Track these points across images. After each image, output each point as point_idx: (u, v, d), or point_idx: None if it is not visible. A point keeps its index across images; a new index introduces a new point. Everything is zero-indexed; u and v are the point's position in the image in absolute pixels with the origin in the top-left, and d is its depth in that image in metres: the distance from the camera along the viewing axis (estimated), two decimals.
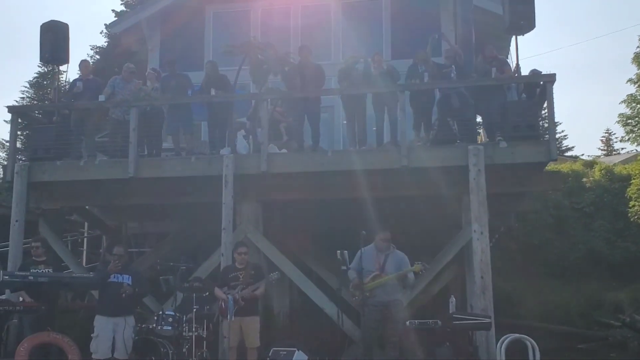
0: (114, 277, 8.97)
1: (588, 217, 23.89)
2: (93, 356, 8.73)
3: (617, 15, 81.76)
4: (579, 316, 20.39)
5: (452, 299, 9.20)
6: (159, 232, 15.82)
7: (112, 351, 8.61)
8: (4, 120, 42.53)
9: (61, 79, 32.52)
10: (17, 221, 11.20)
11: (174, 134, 11.85)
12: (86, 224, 15.99)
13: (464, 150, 10.24)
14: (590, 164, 26.03)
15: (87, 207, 13.26)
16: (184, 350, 9.08)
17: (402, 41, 14.11)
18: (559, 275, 22.89)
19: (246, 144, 11.63)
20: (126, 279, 8.96)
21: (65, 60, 12.40)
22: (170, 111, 11.65)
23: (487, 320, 8.38)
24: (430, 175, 10.86)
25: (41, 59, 12.17)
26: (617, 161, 28.03)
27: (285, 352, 8.89)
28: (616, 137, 39.39)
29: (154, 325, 9.24)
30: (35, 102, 34.22)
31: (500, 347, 8.11)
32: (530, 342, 8.13)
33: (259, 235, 11.26)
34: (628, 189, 25.76)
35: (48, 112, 12.63)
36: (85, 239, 16.08)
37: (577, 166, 26.53)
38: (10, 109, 11.55)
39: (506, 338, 8.16)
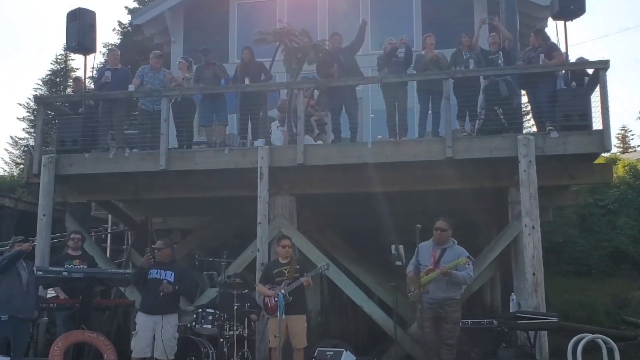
0: (156, 273, 8.56)
1: (612, 214, 23.44)
2: (133, 354, 8.35)
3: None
4: (605, 315, 19.96)
5: (513, 297, 8.72)
6: (182, 227, 15.46)
7: (153, 351, 8.19)
8: (17, 118, 42.47)
9: (74, 72, 32.71)
10: (44, 215, 10.80)
11: (207, 125, 11.39)
12: (109, 220, 15.62)
13: (513, 141, 9.79)
14: (613, 161, 25.61)
15: (113, 201, 12.82)
16: (224, 349, 8.65)
17: (433, 29, 13.61)
18: (583, 273, 22.47)
19: (281, 135, 11.17)
20: (168, 276, 8.52)
21: (92, 49, 12.02)
22: (203, 102, 11.20)
23: (554, 319, 7.85)
24: (474, 168, 10.48)
25: (67, 48, 11.78)
26: (634, 159, 27.55)
27: (332, 353, 8.44)
28: (632, 134, 38.84)
29: (193, 323, 8.81)
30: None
31: (575, 349, 7.51)
32: (607, 342, 7.59)
33: (293, 230, 10.82)
34: None
35: (74, 103, 12.19)
36: (108, 235, 15.67)
37: (599, 162, 26.02)
38: (37, 99, 11.22)
39: (580, 339, 7.61)
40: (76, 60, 34.71)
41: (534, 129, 11.74)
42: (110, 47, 11.87)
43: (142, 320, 8.35)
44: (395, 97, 10.57)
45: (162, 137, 10.85)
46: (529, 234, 9.51)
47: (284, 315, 7.69)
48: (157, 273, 8.54)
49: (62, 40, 70.70)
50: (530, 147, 9.63)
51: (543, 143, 9.79)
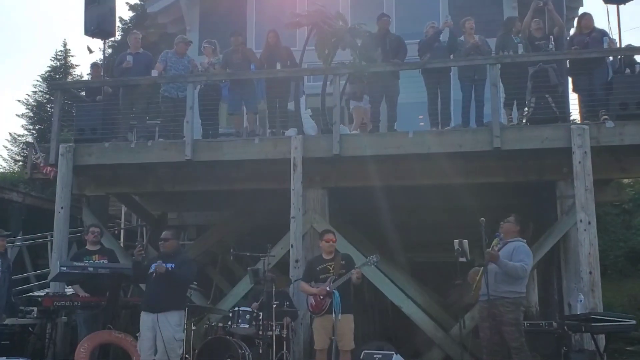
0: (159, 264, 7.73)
1: (627, 214, 22.93)
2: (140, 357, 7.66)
3: None
4: None
5: (581, 297, 8.09)
6: (199, 223, 14.83)
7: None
8: (16, 115, 41.75)
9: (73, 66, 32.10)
10: (62, 208, 10.14)
11: (235, 113, 10.74)
12: (122, 215, 14.97)
13: (566, 131, 9.19)
14: None
15: (132, 194, 12.17)
16: (260, 351, 8.02)
17: (460, 17, 13.02)
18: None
19: (314, 124, 10.53)
20: (168, 267, 7.71)
21: (112, 33, 11.38)
22: (232, 88, 10.55)
23: (632, 322, 7.20)
24: (520, 160, 9.89)
25: (86, 32, 11.09)
26: None
27: (380, 356, 7.80)
28: None
29: (230, 322, 8.17)
30: (48, 97, 33.50)
31: None
32: None
33: (326, 225, 10.15)
34: None
35: (91, 91, 11.53)
36: (122, 231, 15.00)
37: None
38: (53, 85, 10.65)
39: None
40: (76, 57, 34.14)
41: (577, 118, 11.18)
42: (132, 31, 11.06)
43: (144, 320, 7.64)
44: (438, 84, 9.94)
45: (187, 125, 10.25)
46: (585, 230, 8.92)
47: (340, 315, 7.03)
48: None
49: (62, 36, 70.17)
50: (585, 137, 9.05)
51: (598, 133, 9.21)
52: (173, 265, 7.72)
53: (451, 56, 10.10)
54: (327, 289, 7.63)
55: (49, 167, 12.71)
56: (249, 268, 8.38)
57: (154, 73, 10.52)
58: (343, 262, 7.83)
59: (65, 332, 9.66)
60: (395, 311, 15.00)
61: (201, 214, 14.41)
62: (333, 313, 7.02)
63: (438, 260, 20.05)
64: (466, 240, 7.20)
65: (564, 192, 9.65)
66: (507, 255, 7.27)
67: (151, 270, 7.67)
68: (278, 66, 10.21)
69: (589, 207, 8.97)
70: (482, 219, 7.04)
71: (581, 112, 10.81)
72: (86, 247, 9.00)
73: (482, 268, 7.17)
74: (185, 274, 7.93)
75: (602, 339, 8.51)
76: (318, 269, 7.91)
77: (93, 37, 11.22)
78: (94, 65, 12.17)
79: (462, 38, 10.22)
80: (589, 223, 8.93)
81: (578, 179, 9.03)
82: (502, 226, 7.42)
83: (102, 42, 11.69)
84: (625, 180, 22.36)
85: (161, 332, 7.44)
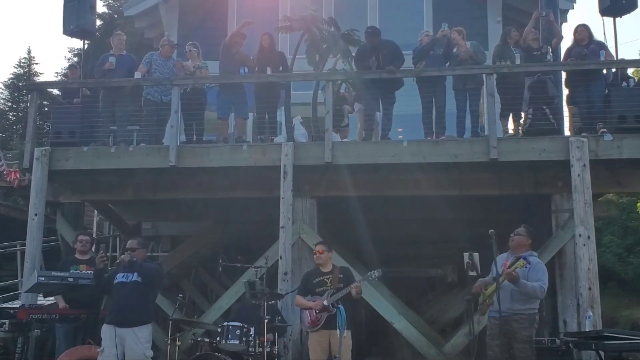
0: (123, 276, 7.12)
1: (597, 232, 23.04)
2: None
3: None
4: None
5: (590, 314, 7.83)
6: (173, 234, 14.30)
7: None
8: None
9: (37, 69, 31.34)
10: (36, 215, 9.57)
11: (224, 117, 10.31)
12: (94, 224, 14.35)
13: (564, 143, 9.01)
14: None
15: (109, 202, 11.61)
16: None
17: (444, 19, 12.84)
18: None
19: (305, 131, 10.17)
20: (135, 277, 7.10)
21: (92, 32, 10.85)
22: (221, 91, 10.13)
23: None
24: (515, 172, 9.70)
25: (65, 32, 10.56)
26: None
27: None
28: None
29: (218, 338, 7.70)
30: (10, 105, 32.63)
31: None
32: None
33: (314, 236, 9.78)
34: (639, 203, 25.06)
35: (67, 93, 10.98)
36: (94, 241, 14.34)
37: None
38: (29, 86, 9.99)
39: None
40: (40, 65, 33.73)
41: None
42: (116, 32, 10.57)
43: (108, 334, 6.95)
44: (433, 93, 9.69)
45: (172, 130, 9.78)
46: (584, 245, 8.73)
47: (345, 331, 6.62)
48: (124, 277, 7.13)
49: (26, 42, 68.65)
50: (584, 149, 8.87)
51: (596, 146, 9.04)
52: (137, 275, 7.12)
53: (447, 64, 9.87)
54: (325, 303, 7.24)
55: (13, 174, 12.10)
56: (245, 280, 7.91)
57: (137, 75, 10.04)
58: (341, 276, 7.46)
59: (37, 347, 9.07)
60: (369, 326, 14.69)
61: (176, 225, 13.88)
62: (338, 329, 6.61)
63: (409, 275, 19.89)
64: (476, 253, 6.88)
65: (560, 205, 9.46)
66: (523, 274, 6.94)
67: (117, 280, 7.09)
68: (268, 71, 9.82)
69: (588, 221, 8.80)
70: (491, 230, 6.74)
71: (571, 126, 10.70)
72: (75, 255, 8.44)
73: (494, 284, 6.85)
74: (152, 268, 7.39)
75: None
76: (315, 281, 7.52)
77: (72, 37, 10.72)
78: (71, 67, 11.65)
79: (455, 50, 10.01)
80: (588, 237, 8.75)
81: (577, 193, 8.84)
82: (513, 239, 7.12)
83: (82, 42, 11.16)
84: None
85: (130, 348, 6.92)
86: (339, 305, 6.82)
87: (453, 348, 9.60)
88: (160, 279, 7.69)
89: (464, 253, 6.85)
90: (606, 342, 6.65)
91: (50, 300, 8.73)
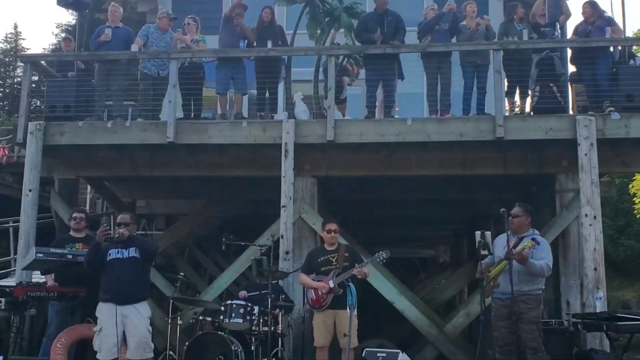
0: (117, 252, 6.84)
1: None
2: (97, 356, 6.72)
3: None
4: None
5: (600, 295, 7.73)
6: (168, 213, 14.10)
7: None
8: None
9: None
10: (30, 190, 9.32)
11: (223, 93, 10.06)
12: (87, 201, 14.09)
13: (572, 122, 8.86)
14: None
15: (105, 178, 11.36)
16: (253, 347, 7.43)
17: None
18: None
19: (305, 108, 9.94)
20: (132, 252, 6.86)
21: (87, 4, 10.53)
22: (220, 65, 9.87)
23: None
24: (519, 152, 9.56)
25: (59, 3, 10.25)
26: None
27: (384, 354, 7.29)
28: None
29: (221, 317, 7.55)
30: None
31: None
32: None
33: (315, 216, 9.63)
34: (631, 185, 25.11)
35: (61, 66, 10.66)
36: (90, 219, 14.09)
37: None
38: (23, 57, 9.67)
39: None
40: (27, 40, 33.31)
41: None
42: (112, 3, 10.23)
43: (107, 313, 6.68)
44: (438, 69, 9.49)
45: (169, 105, 9.53)
46: (590, 225, 8.62)
47: (355, 310, 6.46)
48: (118, 252, 6.85)
49: (12, 18, 67.46)
50: (592, 128, 8.74)
51: (603, 125, 8.90)
52: (136, 249, 6.88)
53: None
54: (330, 284, 7.07)
55: (1, 151, 11.82)
56: (252, 258, 7.73)
57: (134, 48, 9.76)
58: (347, 254, 7.28)
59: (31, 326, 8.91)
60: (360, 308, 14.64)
61: (171, 203, 13.69)
62: (348, 308, 6.45)
63: (402, 256, 19.82)
64: (489, 232, 6.73)
65: (564, 185, 9.34)
66: (529, 253, 6.85)
67: (111, 257, 6.80)
68: (269, 45, 9.57)
69: (595, 201, 8.67)
70: (502, 209, 6.60)
71: (575, 105, 10.56)
72: (70, 233, 8.21)
73: (498, 266, 6.73)
74: (152, 244, 7.30)
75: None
76: (319, 260, 7.34)
77: (66, 8, 10.41)
78: (66, 39, 11.31)
79: (464, 22, 9.79)
80: (595, 217, 8.64)
81: (584, 172, 8.71)
82: (512, 222, 6.96)
83: (73, 14, 10.83)
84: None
85: (133, 325, 6.72)
86: (349, 284, 6.64)
87: (454, 328, 9.52)
88: (156, 254, 7.50)
89: (476, 232, 6.70)
90: (619, 323, 6.53)
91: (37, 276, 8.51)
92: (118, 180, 11.76)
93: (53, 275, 7.81)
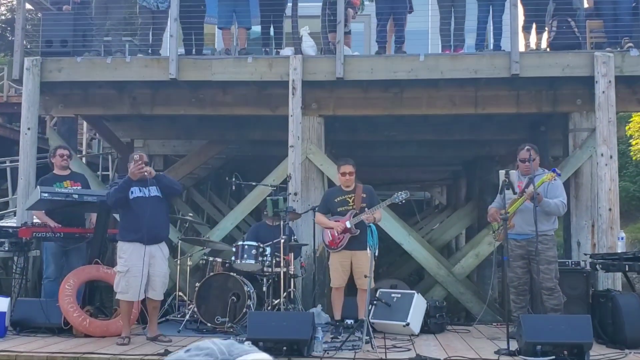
0: (139, 191, 6.56)
1: None
2: (121, 297, 6.51)
3: None
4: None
5: (622, 235, 7.61)
6: (166, 153, 13.81)
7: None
8: None
9: None
10: (29, 129, 9.00)
11: (225, 27, 9.66)
12: (84, 141, 13.78)
13: (590, 58, 8.58)
14: None
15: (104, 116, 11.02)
16: (264, 288, 7.30)
17: None
18: None
19: (313, 43, 9.57)
20: (154, 191, 6.60)
21: None
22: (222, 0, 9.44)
23: None
24: (533, 89, 9.33)
25: None
26: None
27: (399, 295, 7.18)
28: None
29: (233, 258, 7.38)
30: None
31: None
32: None
33: (322, 157, 9.40)
34: (627, 126, 24.97)
35: None
36: (83, 159, 13.78)
37: None
38: None
39: None
40: None
41: None
42: None
43: (136, 253, 6.43)
44: (452, 2, 9.12)
45: (171, 40, 9.14)
46: (606, 165, 8.45)
47: (375, 250, 6.29)
48: (140, 191, 6.57)
49: None
50: (610, 65, 8.47)
51: (621, 62, 8.64)
52: (156, 188, 6.64)
53: None
54: (347, 224, 6.88)
55: None
56: (269, 197, 7.50)
57: None
58: (364, 195, 7.05)
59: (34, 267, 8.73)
60: None
61: (169, 143, 13.38)
62: (369, 248, 6.28)
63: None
64: (514, 171, 6.53)
65: (578, 124, 9.16)
66: (543, 189, 6.78)
67: (134, 195, 6.51)
68: None
69: (612, 140, 8.49)
70: (501, 171, 6.46)
71: (589, 41, 10.26)
72: (53, 172, 7.91)
73: (513, 206, 6.59)
74: (177, 183, 7.18)
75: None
76: (336, 200, 7.13)
77: None
78: None
79: None
80: (611, 157, 8.47)
81: (601, 110, 8.49)
82: (528, 166, 6.78)
83: None
84: None
85: (158, 266, 6.57)
86: (370, 224, 6.45)
87: (463, 269, 9.45)
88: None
89: (500, 171, 6.50)
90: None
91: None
92: (117, 119, 11.44)
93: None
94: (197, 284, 7.35)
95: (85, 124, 13.60)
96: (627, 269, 6.54)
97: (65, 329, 6.74)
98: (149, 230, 6.46)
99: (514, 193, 6.46)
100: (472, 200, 15.71)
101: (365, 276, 6.24)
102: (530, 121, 10.93)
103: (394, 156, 14.20)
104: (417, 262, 13.29)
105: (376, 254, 6.22)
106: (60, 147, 8.39)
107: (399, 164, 16.20)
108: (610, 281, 8.22)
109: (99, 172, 13.55)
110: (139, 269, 6.42)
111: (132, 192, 6.58)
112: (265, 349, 5.68)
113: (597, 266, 7.10)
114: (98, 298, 7.45)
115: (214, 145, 12.49)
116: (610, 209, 8.35)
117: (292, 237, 7.60)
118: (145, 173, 6.52)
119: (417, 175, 19.02)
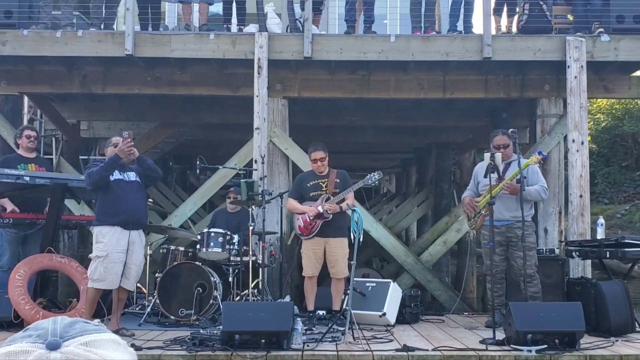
0: (120, 174, 6.16)
1: None
2: (97, 285, 6.00)
3: None
4: None
5: (602, 222, 7.49)
6: (111, 136, 13.09)
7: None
8: None
9: None
10: None
11: (186, 2, 9.13)
12: (24, 121, 12.89)
13: (562, 43, 8.45)
14: None
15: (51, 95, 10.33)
16: (230, 279, 6.90)
17: None
18: None
19: (279, 20, 9.15)
20: (132, 177, 6.23)
21: None
22: None
23: None
24: (501, 74, 9.19)
25: None
26: None
27: (374, 284, 6.88)
28: None
29: (198, 247, 6.93)
30: None
31: None
32: None
33: (287, 140, 9.03)
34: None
35: None
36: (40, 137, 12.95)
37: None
38: None
39: None
40: None
41: None
42: None
43: (114, 238, 5.97)
44: None
45: (128, 13, 8.55)
46: (577, 151, 8.33)
47: (361, 235, 5.94)
48: (121, 174, 6.20)
49: None
50: (582, 50, 8.35)
51: (592, 47, 8.54)
52: (135, 174, 6.28)
53: None
54: (319, 209, 6.53)
55: None
56: (242, 180, 7.04)
57: None
58: (338, 180, 6.72)
59: None
60: None
61: (117, 126, 12.68)
62: (353, 234, 5.93)
63: None
64: (499, 154, 6.29)
65: (546, 110, 9.06)
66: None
67: (115, 177, 6.06)
68: None
69: (583, 126, 8.38)
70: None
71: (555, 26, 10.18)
72: (19, 152, 7.30)
73: (487, 195, 6.37)
74: (157, 168, 6.64)
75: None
76: (309, 185, 6.75)
77: None
78: None
79: None
80: (582, 143, 8.36)
81: (573, 96, 8.37)
82: (503, 152, 6.58)
83: None
84: None
85: (136, 252, 6.16)
86: (355, 208, 6.12)
87: (431, 256, 9.27)
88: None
89: (485, 153, 6.28)
90: (626, 249, 6.30)
91: None
92: (62, 98, 10.74)
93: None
94: (158, 274, 6.87)
95: (25, 102, 12.79)
96: (608, 256, 6.41)
97: (15, 323, 6.16)
98: (131, 214, 6.06)
99: (499, 176, 6.24)
100: (425, 188, 15.63)
101: (351, 263, 5.89)
102: (492, 107, 10.82)
103: (352, 142, 13.95)
104: (372, 250, 13.24)
105: (360, 239, 5.86)
106: (27, 127, 7.98)
107: (354, 150, 15.96)
108: (581, 268, 8.14)
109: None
110: (119, 254, 6.00)
111: (112, 175, 6.14)
112: (241, 342, 5.30)
113: (574, 253, 6.97)
114: (51, 289, 6.88)
115: (166, 127, 11.91)
116: (581, 196, 8.26)
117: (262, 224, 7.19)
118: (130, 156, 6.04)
119: (369, 163, 18.85)
